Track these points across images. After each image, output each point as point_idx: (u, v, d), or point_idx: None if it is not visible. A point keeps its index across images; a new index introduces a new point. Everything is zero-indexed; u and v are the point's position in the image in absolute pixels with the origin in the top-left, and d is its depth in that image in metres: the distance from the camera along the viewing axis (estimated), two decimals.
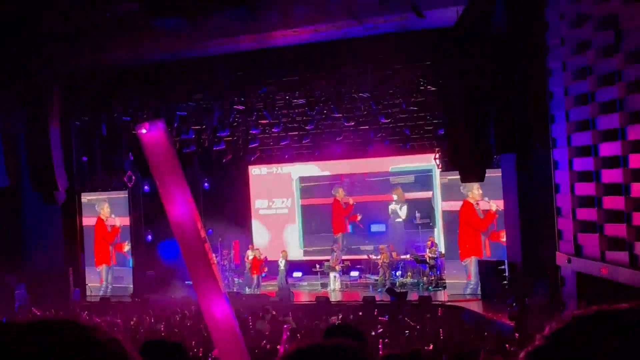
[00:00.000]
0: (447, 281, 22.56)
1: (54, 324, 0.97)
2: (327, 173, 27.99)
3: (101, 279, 24.84)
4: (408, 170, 26.74)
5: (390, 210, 27.06)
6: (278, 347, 13.36)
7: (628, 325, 0.94)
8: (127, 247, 24.63)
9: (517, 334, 14.97)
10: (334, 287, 23.91)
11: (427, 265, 23.33)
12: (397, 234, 26.63)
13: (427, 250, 23.75)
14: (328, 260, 25.01)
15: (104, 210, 24.80)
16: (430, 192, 26.46)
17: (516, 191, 19.04)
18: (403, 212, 26.81)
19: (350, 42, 19.07)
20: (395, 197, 26.98)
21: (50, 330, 0.96)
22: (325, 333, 4.23)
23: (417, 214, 26.19)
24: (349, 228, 27.55)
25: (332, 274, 24.34)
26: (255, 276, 24.72)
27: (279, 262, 24.20)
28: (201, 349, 13.25)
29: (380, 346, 13.74)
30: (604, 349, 0.91)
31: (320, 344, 1.72)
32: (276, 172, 28.77)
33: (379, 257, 24.14)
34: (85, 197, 24.84)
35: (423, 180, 26.70)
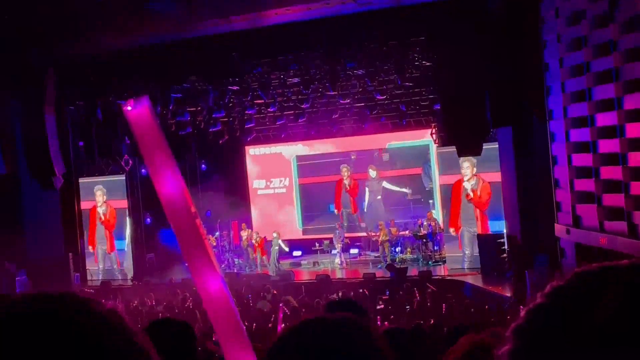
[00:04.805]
0: (447, 255, 22.63)
1: (51, 296, 0.97)
2: (323, 151, 27.97)
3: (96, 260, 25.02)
4: (405, 146, 26.74)
5: (369, 187, 27.24)
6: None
7: (629, 279, 0.94)
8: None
9: (519, 307, 15.02)
10: (335, 264, 24.02)
11: (422, 240, 23.43)
12: (377, 211, 26.77)
13: (418, 226, 23.90)
14: (327, 239, 25.12)
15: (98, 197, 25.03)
16: (420, 168, 26.50)
17: (513, 164, 19.05)
18: (388, 186, 26.94)
19: (344, 19, 18.97)
20: (373, 174, 27.03)
21: (48, 301, 0.96)
22: (326, 308, 4.22)
23: (409, 190, 26.28)
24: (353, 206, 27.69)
25: (333, 252, 24.49)
26: (259, 257, 24.92)
27: (273, 242, 24.39)
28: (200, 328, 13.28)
29: (379, 323, 13.79)
30: (604, 302, 0.91)
31: (322, 318, 1.71)
32: (273, 151, 28.74)
33: (377, 233, 24.19)
34: (83, 181, 24.91)
35: (414, 155, 26.70)
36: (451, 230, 22.07)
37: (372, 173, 27.05)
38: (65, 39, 19.66)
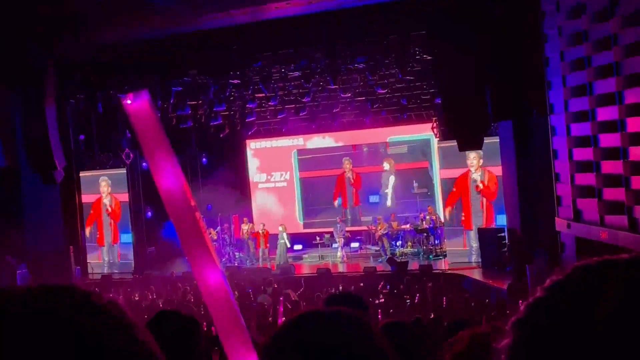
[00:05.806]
0: (447, 249, 22.61)
1: (51, 292, 0.96)
2: (324, 145, 27.97)
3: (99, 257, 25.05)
4: (406, 141, 26.71)
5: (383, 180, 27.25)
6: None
7: (629, 275, 0.94)
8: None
9: (519, 302, 15.03)
10: (337, 258, 24.03)
11: (422, 233, 23.44)
12: (387, 204, 26.80)
13: (420, 220, 23.89)
14: (328, 233, 25.13)
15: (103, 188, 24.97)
16: (427, 162, 26.47)
17: (514, 158, 19.03)
18: (390, 182, 26.90)
19: (344, 12, 18.96)
20: (387, 166, 27.02)
21: (48, 299, 0.95)
22: (325, 302, 4.22)
23: (415, 184, 26.25)
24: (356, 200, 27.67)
25: (335, 246, 24.51)
26: (261, 250, 24.99)
27: (279, 235, 24.42)
28: (204, 323, 13.31)
29: (380, 317, 13.81)
30: (604, 300, 0.91)
31: (320, 311, 1.71)
32: (274, 145, 28.73)
33: (376, 227, 24.20)
34: (83, 175, 24.90)
35: (421, 149, 26.67)
36: (471, 231, 21.75)
37: (386, 166, 27.03)
38: (66, 38, 19.66)
